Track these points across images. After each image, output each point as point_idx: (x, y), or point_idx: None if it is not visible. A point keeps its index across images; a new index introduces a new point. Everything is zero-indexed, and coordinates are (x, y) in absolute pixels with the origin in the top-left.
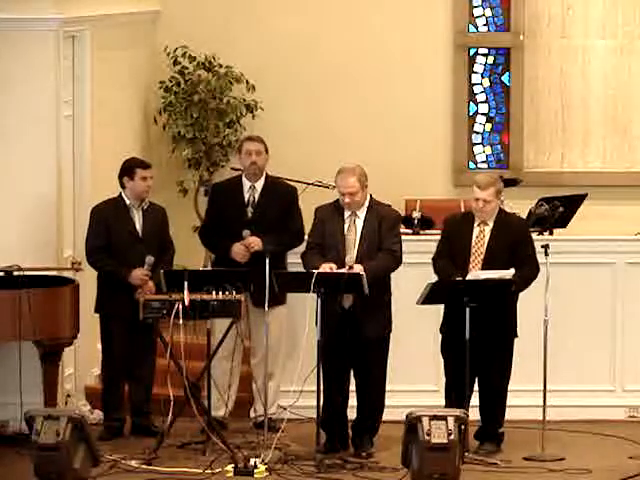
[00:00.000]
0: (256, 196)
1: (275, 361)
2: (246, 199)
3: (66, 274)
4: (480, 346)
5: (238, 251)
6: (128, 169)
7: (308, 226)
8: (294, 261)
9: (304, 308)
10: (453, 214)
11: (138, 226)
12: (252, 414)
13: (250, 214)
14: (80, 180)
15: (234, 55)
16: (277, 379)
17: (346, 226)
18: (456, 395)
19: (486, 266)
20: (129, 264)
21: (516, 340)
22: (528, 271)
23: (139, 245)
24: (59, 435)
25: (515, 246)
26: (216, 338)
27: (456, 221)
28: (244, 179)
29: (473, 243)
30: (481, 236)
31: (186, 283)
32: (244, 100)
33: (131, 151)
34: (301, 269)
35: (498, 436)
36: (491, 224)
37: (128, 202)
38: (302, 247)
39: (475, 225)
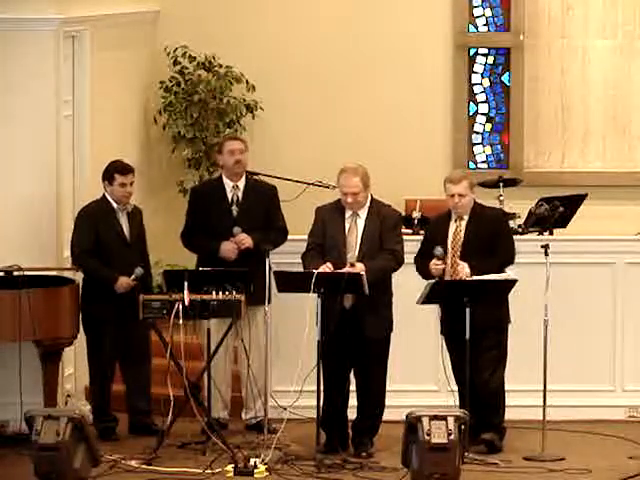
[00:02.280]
0: (239, 195)
1: (262, 361)
2: (230, 198)
3: (66, 274)
4: (470, 341)
5: (230, 248)
6: (107, 174)
7: (307, 226)
8: (294, 261)
9: (304, 308)
10: (434, 215)
11: (126, 230)
12: (243, 416)
13: (236, 212)
14: (80, 180)
15: (234, 55)
16: (268, 378)
17: (347, 226)
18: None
19: (464, 260)
20: (116, 268)
21: (516, 340)
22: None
23: (126, 249)
24: (59, 435)
25: (492, 238)
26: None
27: (434, 220)
28: (225, 179)
29: (451, 239)
30: (458, 231)
31: (186, 283)
32: (244, 100)
33: (131, 150)
34: (301, 269)
35: (497, 427)
36: (466, 218)
37: (115, 205)
38: (303, 248)
39: (452, 221)
